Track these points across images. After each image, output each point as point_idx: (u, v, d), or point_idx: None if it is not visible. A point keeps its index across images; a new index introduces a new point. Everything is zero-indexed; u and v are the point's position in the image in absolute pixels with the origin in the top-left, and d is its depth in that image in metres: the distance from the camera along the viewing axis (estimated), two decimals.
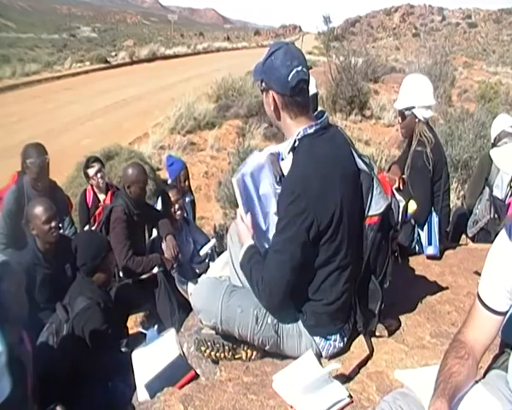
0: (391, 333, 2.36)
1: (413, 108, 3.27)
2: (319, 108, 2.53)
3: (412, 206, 3.16)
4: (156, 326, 3.56)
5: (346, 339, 2.22)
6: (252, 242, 2.11)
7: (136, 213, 3.81)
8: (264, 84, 2.02)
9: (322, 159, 2.00)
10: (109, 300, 3.22)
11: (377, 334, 2.33)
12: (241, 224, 2.14)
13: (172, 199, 4.22)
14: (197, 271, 4.03)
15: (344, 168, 2.05)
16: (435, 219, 3.34)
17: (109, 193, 4.38)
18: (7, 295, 1.59)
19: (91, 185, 4.55)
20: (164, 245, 3.87)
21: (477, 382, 1.50)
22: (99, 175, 4.49)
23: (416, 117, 3.29)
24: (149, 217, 4.00)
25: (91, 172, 4.50)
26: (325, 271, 2.03)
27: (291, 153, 2.06)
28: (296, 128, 2.02)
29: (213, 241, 4.30)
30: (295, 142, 2.02)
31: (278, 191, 2.51)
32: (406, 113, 3.31)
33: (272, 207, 2.21)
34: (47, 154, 3.81)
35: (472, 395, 1.44)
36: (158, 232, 4.02)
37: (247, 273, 2.10)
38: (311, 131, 2.01)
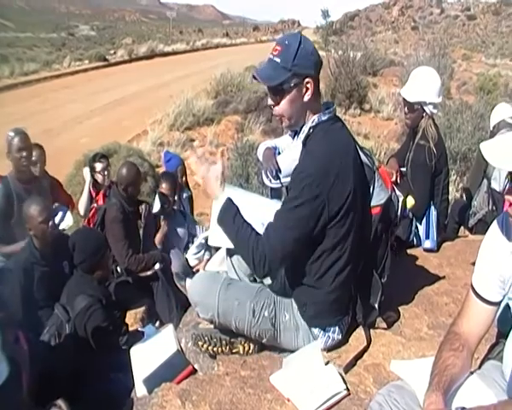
0: (389, 325, 2.36)
1: (424, 102, 3.26)
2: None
3: (410, 201, 3.17)
4: (158, 323, 3.58)
5: (344, 332, 2.21)
6: (226, 193, 2.04)
7: (130, 211, 3.83)
8: (295, 78, 1.91)
9: (338, 146, 1.99)
10: (110, 296, 3.23)
11: (376, 326, 2.33)
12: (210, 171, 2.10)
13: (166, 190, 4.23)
14: (190, 263, 4.04)
15: (355, 156, 2.05)
16: (433, 212, 3.34)
17: (101, 193, 4.31)
18: (2, 296, 1.61)
19: (94, 181, 4.51)
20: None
21: (473, 373, 1.50)
22: (106, 172, 4.46)
23: (425, 111, 3.28)
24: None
25: (99, 166, 4.46)
26: (332, 257, 2.02)
27: (300, 140, 2.03)
28: (312, 115, 2.00)
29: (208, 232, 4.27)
30: (310, 129, 1.99)
31: (273, 185, 2.53)
32: (416, 106, 3.29)
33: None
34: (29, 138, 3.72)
35: (467, 387, 1.44)
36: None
37: (233, 234, 2.00)
38: (324, 118, 1.99)
